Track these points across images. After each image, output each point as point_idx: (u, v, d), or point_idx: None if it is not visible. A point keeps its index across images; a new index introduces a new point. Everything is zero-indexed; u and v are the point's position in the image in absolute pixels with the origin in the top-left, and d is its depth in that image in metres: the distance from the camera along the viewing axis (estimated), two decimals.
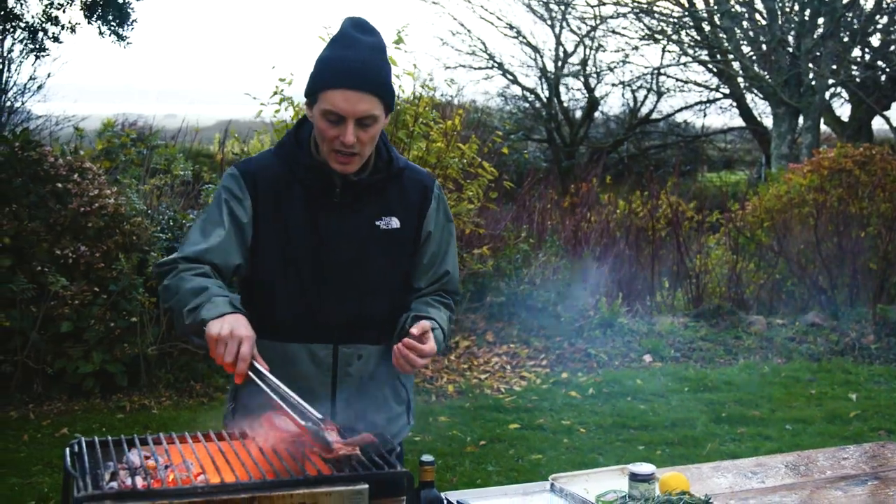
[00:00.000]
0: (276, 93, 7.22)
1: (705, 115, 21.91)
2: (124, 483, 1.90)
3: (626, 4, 18.93)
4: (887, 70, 17.39)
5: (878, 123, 18.78)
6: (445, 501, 2.23)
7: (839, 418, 6.46)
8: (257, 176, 2.49)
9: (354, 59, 2.38)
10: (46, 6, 7.79)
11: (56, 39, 8.21)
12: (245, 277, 2.52)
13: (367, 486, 1.93)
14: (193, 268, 2.35)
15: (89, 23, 7.86)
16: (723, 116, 21.77)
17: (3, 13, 7.77)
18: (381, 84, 2.39)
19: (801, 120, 16.62)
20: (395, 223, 2.53)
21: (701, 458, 5.51)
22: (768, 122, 18.84)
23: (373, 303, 2.51)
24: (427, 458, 2.14)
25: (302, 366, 2.49)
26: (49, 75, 10.14)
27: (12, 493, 5.10)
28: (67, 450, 2.02)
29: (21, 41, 8.13)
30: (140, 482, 1.90)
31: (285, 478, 1.93)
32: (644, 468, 2.47)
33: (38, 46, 8.13)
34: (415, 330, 2.36)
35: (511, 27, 20.83)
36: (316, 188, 2.47)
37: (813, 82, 16.33)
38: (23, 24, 7.93)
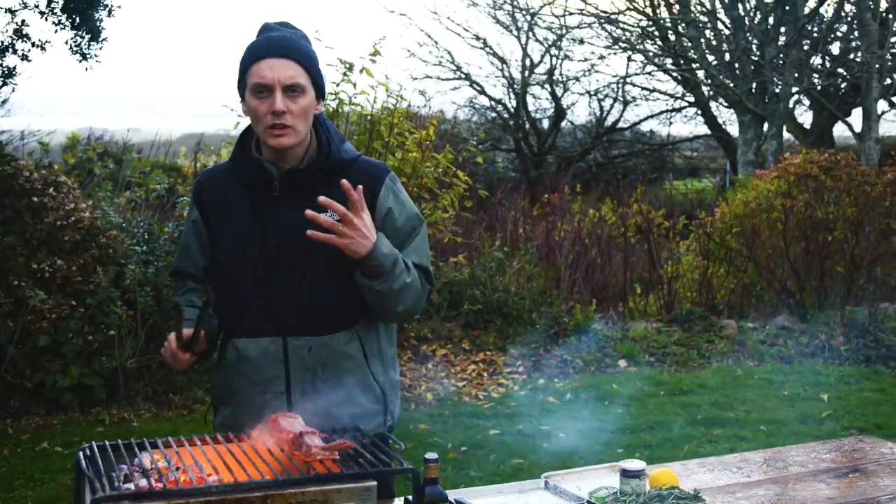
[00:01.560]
0: None
1: (671, 124, 22.15)
2: (139, 484, 1.94)
3: (591, 14, 19.13)
4: (847, 77, 17.69)
5: (838, 130, 19.08)
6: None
7: (812, 418, 6.58)
8: (205, 184, 2.69)
9: (275, 35, 2.54)
10: (18, 23, 7.75)
11: (25, 58, 8.16)
12: (214, 277, 2.70)
13: (375, 482, 1.99)
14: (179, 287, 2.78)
15: (64, 28, 7.81)
16: (688, 125, 22.02)
17: None
18: (304, 54, 2.53)
19: (766, 127, 16.87)
20: None
21: (679, 459, 5.58)
22: (733, 129, 19.09)
23: (320, 294, 2.53)
24: (431, 455, 2.20)
25: (254, 361, 2.57)
26: (13, 90, 10.07)
27: None
28: (81, 454, 2.06)
29: None
30: (156, 483, 1.94)
31: (296, 476, 1.98)
32: (634, 464, 2.55)
33: (4, 71, 8.08)
34: (321, 199, 2.42)
35: (478, 38, 20.97)
36: (256, 184, 2.57)
37: (777, 90, 16.59)
38: None
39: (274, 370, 2.56)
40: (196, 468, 2.02)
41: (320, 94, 2.57)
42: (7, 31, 7.76)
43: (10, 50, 7.78)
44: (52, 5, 7.59)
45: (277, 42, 2.51)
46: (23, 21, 7.79)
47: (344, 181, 2.42)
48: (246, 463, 2.05)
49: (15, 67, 8.03)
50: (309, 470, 2.03)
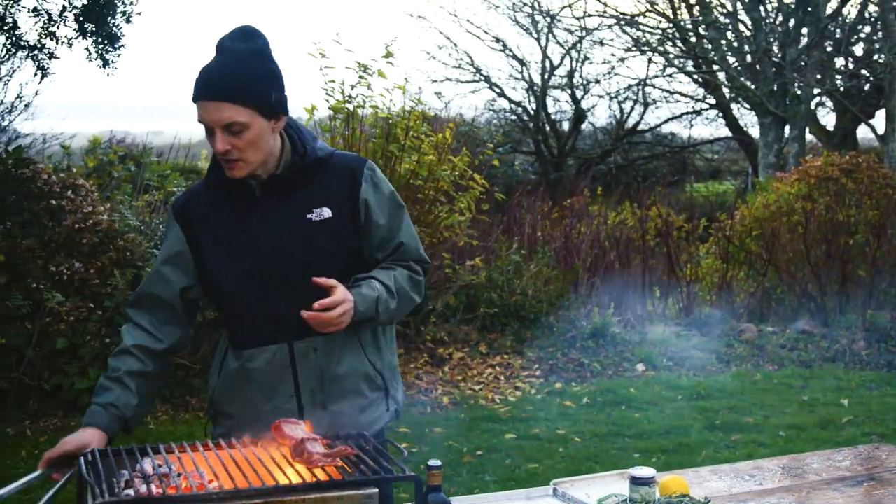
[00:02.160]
0: None
1: (692, 126, 22.04)
2: (139, 490, 1.93)
3: (612, 16, 19.05)
4: (871, 79, 17.53)
5: (862, 132, 18.92)
6: None
7: (832, 424, 6.52)
8: (184, 205, 2.66)
9: (214, 69, 2.45)
10: (44, 22, 7.80)
11: (52, 56, 8.23)
12: (208, 296, 2.69)
13: (377, 490, 1.97)
14: (120, 348, 2.62)
15: (84, 37, 7.87)
16: (709, 127, 21.90)
17: (7, 32, 7.79)
18: (241, 90, 2.42)
19: (787, 129, 16.75)
20: (326, 212, 2.56)
21: (696, 465, 5.53)
22: (754, 131, 18.98)
23: (319, 294, 2.49)
24: (434, 462, 2.18)
25: (262, 369, 2.57)
26: (36, 93, 10.15)
27: None
28: (82, 459, 2.06)
29: (16, 56, 8.12)
30: (155, 489, 1.93)
31: (297, 483, 1.96)
32: (644, 472, 2.51)
33: (39, 66, 8.15)
34: (316, 304, 2.39)
35: (497, 40, 20.93)
36: (237, 196, 2.57)
37: (798, 92, 16.47)
38: (23, 43, 7.94)
39: (282, 375, 2.57)
40: (197, 474, 2.01)
41: (273, 114, 2.49)
42: (35, 30, 7.82)
43: (39, 49, 7.84)
44: (64, 16, 7.64)
45: (212, 83, 2.43)
46: (49, 18, 7.85)
47: (314, 279, 2.42)
48: (247, 469, 2.04)
49: (47, 67, 8.11)
50: (310, 477, 2.02)
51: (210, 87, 2.42)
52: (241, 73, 2.43)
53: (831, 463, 3.01)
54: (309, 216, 2.55)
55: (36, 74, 8.08)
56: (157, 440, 6.08)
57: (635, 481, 2.50)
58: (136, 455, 2.12)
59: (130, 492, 1.94)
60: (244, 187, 2.55)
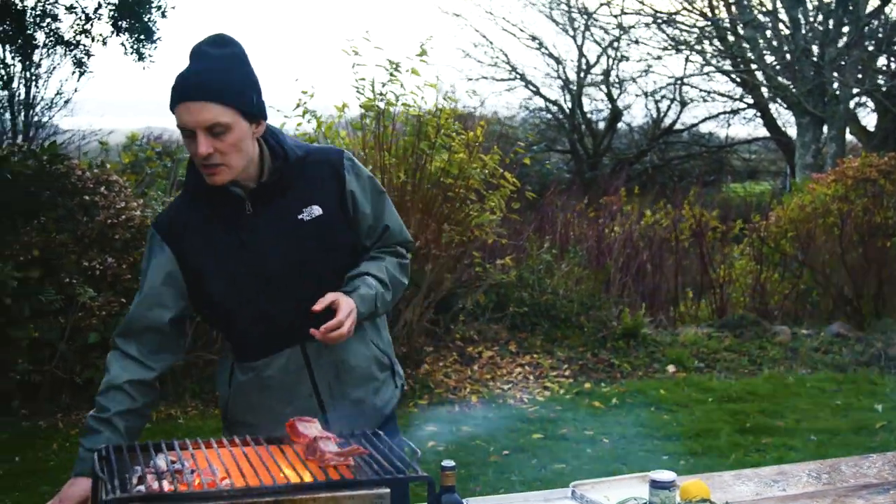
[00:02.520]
0: (298, 105, 7.30)
1: (729, 126, 21.84)
2: (151, 487, 1.94)
3: (649, 15, 18.93)
4: None
5: None
6: None
7: (865, 429, 6.42)
8: (169, 223, 2.57)
9: (194, 71, 2.41)
10: (77, 20, 7.91)
11: (89, 54, 8.33)
12: (205, 315, 2.66)
13: (388, 490, 1.96)
14: (107, 385, 2.55)
15: (118, 34, 7.97)
16: (747, 126, 21.69)
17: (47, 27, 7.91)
18: (223, 91, 2.38)
19: (825, 129, 16.54)
20: (317, 210, 2.54)
21: (725, 468, 5.48)
22: (793, 132, 18.76)
23: (321, 291, 2.48)
24: (448, 463, 2.17)
25: (278, 376, 2.56)
26: (76, 90, 10.28)
27: (43, 500, 5.14)
28: (96, 454, 2.07)
29: (53, 54, 8.24)
30: (167, 486, 1.94)
31: (308, 482, 1.96)
32: (664, 475, 2.49)
33: (77, 62, 8.26)
34: (322, 329, 2.38)
35: (533, 38, 20.87)
36: (225, 208, 2.51)
37: (837, 92, 16.25)
38: (60, 39, 8.06)
39: (298, 377, 2.57)
40: (210, 471, 2.02)
41: (253, 117, 2.45)
42: (74, 27, 7.93)
43: (76, 44, 7.94)
44: (99, 13, 7.72)
45: (193, 84, 2.38)
46: (86, 16, 7.94)
47: (314, 308, 2.41)
48: (259, 467, 2.04)
49: (84, 62, 8.21)
50: (322, 476, 2.01)
51: (192, 88, 2.37)
52: (222, 76, 2.40)
53: (858, 469, 2.96)
54: (300, 217, 2.52)
55: (74, 72, 8.19)
56: (185, 435, 6.12)
57: (655, 485, 2.48)
58: (150, 451, 2.12)
59: (142, 488, 1.95)
60: (231, 198, 2.50)
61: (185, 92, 2.38)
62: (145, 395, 2.55)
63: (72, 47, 8.07)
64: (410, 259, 2.81)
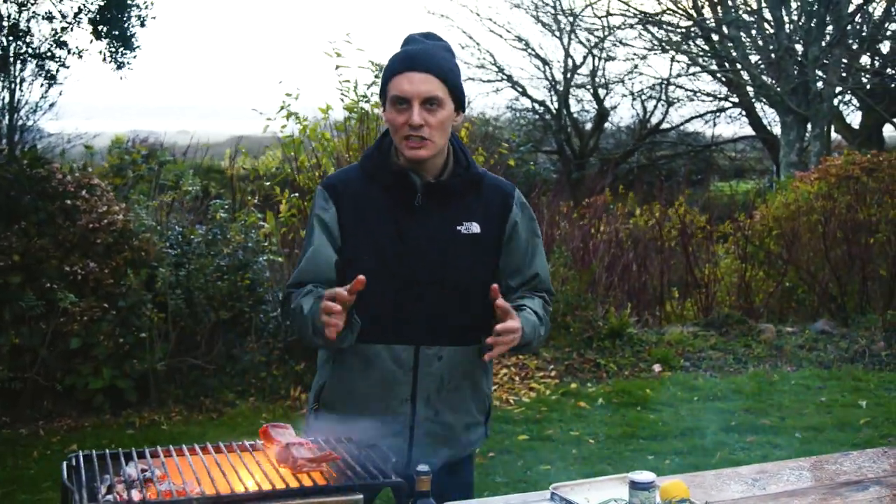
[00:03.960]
0: (282, 108, 7.26)
1: (715, 125, 21.89)
2: (121, 496, 1.92)
3: (635, 15, 18.95)
4: None
5: (889, 130, 18.74)
6: None
7: (849, 426, 6.43)
8: (339, 187, 2.65)
9: (419, 49, 2.57)
10: (53, 31, 7.88)
11: (64, 65, 8.29)
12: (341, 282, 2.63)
13: (361, 496, 1.94)
14: (300, 292, 2.55)
15: (99, 39, 7.94)
16: (732, 125, 21.75)
17: (12, 37, 7.86)
18: (442, 67, 2.54)
19: (809, 128, 16.59)
20: (475, 228, 2.61)
21: (711, 467, 5.47)
22: (778, 130, 18.82)
23: (454, 305, 2.57)
24: (422, 467, 2.15)
25: (384, 366, 2.58)
26: (60, 94, 10.23)
27: None
28: (65, 464, 2.04)
29: (24, 70, 8.22)
30: (136, 494, 1.91)
31: (280, 488, 1.94)
32: (644, 476, 2.47)
33: (47, 74, 8.23)
34: (500, 326, 2.41)
35: (520, 39, 20.89)
36: (398, 193, 2.58)
37: (821, 90, 16.30)
38: (31, 51, 8.03)
39: (403, 377, 2.58)
40: (180, 479, 1.99)
41: (460, 106, 2.60)
42: (47, 38, 7.90)
43: (50, 57, 7.91)
44: (78, 18, 7.70)
45: (417, 56, 2.54)
46: (62, 28, 7.92)
47: (499, 302, 2.42)
48: (231, 475, 2.01)
49: (57, 71, 8.18)
50: (295, 483, 1.99)
51: (416, 60, 2.52)
52: (440, 56, 2.57)
53: (839, 466, 2.95)
54: (459, 228, 2.58)
55: (42, 85, 8.18)
56: (170, 441, 6.10)
57: (635, 486, 2.46)
58: (120, 460, 2.09)
59: (111, 497, 1.92)
60: (406, 184, 2.57)
61: (409, 62, 2.52)
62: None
63: (45, 59, 8.04)
64: None
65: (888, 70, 17.72)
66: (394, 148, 2.63)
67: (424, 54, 2.54)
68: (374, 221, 2.58)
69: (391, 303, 2.56)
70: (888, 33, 17.83)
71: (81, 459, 2.07)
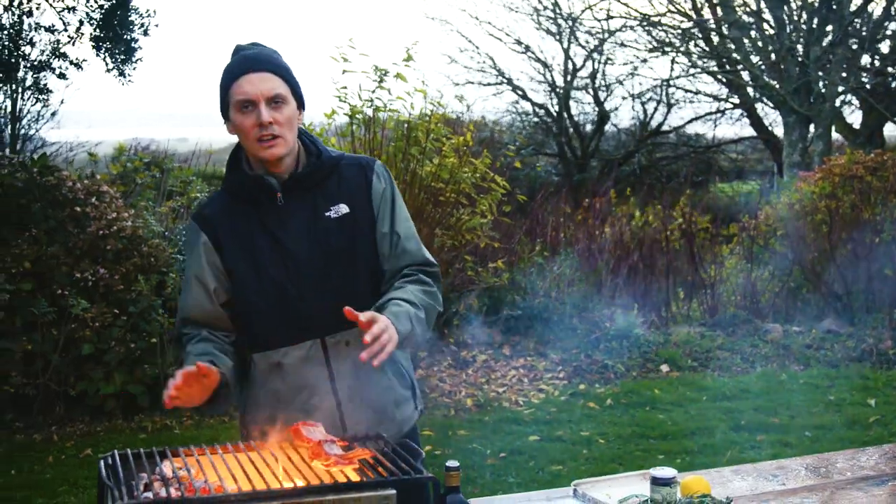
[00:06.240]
0: None
1: (716, 126, 21.87)
2: (158, 493, 1.94)
3: (634, 17, 18.97)
4: None
5: (890, 129, 18.74)
6: None
7: (859, 424, 6.46)
8: (207, 213, 2.68)
9: (250, 52, 2.61)
10: (54, 42, 7.94)
11: (62, 76, 8.33)
12: (233, 301, 2.65)
13: (394, 491, 1.97)
14: (190, 336, 2.61)
15: (97, 55, 7.99)
16: (734, 126, 21.72)
17: (14, 47, 7.91)
18: (280, 66, 2.60)
19: (811, 128, 16.61)
20: (344, 209, 2.63)
21: (720, 465, 5.50)
22: (779, 131, 18.83)
23: (346, 288, 2.56)
24: (452, 463, 2.18)
25: (297, 367, 2.58)
26: (62, 102, 10.27)
27: None
28: (102, 462, 2.07)
29: (27, 76, 8.27)
30: (174, 492, 1.94)
31: (314, 485, 1.97)
32: (665, 472, 2.50)
33: (40, 87, 8.29)
34: (367, 337, 2.32)
35: (519, 43, 20.89)
36: (259, 199, 2.61)
37: (823, 90, 16.33)
38: (27, 64, 8.08)
39: (318, 372, 2.59)
40: (216, 476, 2.02)
41: (301, 104, 2.64)
42: (46, 49, 7.94)
43: (48, 68, 7.95)
44: (81, 31, 7.74)
45: (253, 58, 2.58)
46: (58, 41, 7.97)
47: (346, 309, 2.34)
48: (266, 471, 2.04)
49: (49, 89, 8.24)
50: (328, 478, 2.02)
51: (252, 62, 2.56)
52: (275, 57, 2.62)
53: (855, 462, 2.98)
54: (327, 213, 2.61)
55: (42, 95, 8.23)
56: (181, 445, 6.16)
57: (656, 482, 2.49)
58: (155, 458, 2.12)
59: (149, 494, 1.95)
60: (265, 187, 2.59)
61: (247, 65, 2.56)
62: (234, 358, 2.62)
63: (42, 71, 8.10)
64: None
65: (889, 69, 17.73)
66: (245, 159, 2.65)
67: (260, 55, 2.59)
68: (247, 233, 2.60)
69: (286, 306, 2.57)
70: (888, 33, 17.85)
71: (118, 458, 2.10)
